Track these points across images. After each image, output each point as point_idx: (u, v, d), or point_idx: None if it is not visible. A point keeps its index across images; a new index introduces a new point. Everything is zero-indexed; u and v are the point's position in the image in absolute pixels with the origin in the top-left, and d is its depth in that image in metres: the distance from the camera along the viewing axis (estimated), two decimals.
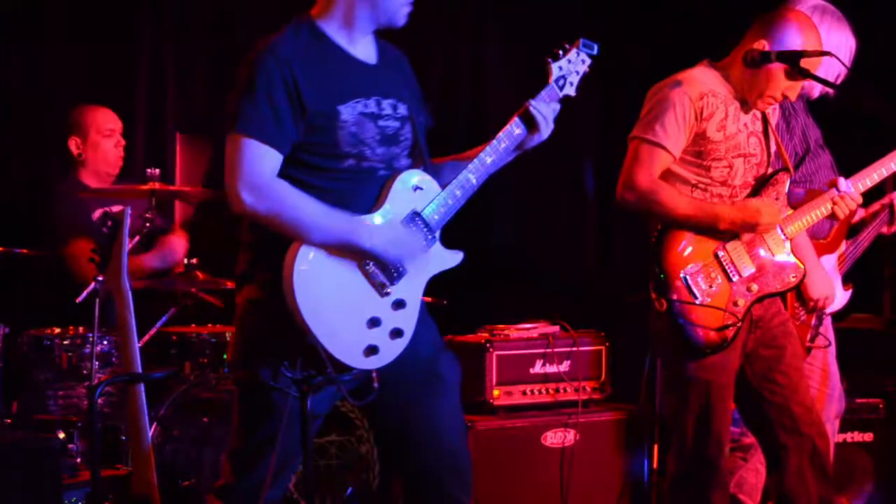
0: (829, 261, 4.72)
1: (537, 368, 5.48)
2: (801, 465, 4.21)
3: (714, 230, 4.14)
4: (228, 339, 5.38)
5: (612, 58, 6.57)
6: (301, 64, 3.42)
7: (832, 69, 4.52)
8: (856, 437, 5.43)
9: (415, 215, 3.55)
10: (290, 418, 3.41)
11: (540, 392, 5.47)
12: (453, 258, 3.67)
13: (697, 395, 4.16)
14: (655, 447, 5.09)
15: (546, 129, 3.66)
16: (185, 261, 5.33)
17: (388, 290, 3.52)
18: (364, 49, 3.56)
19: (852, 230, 4.84)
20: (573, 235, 6.62)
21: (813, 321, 4.57)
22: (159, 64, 6.07)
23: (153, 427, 4.89)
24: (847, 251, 4.80)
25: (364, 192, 3.50)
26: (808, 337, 4.59)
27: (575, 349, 5.52)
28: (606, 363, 5.58)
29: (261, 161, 3.37)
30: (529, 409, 5.44)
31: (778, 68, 4.12)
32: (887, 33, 5.20)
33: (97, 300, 4.62)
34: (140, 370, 4.41)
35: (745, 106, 4.21)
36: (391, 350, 3.51)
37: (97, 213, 5.26)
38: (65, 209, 5.37)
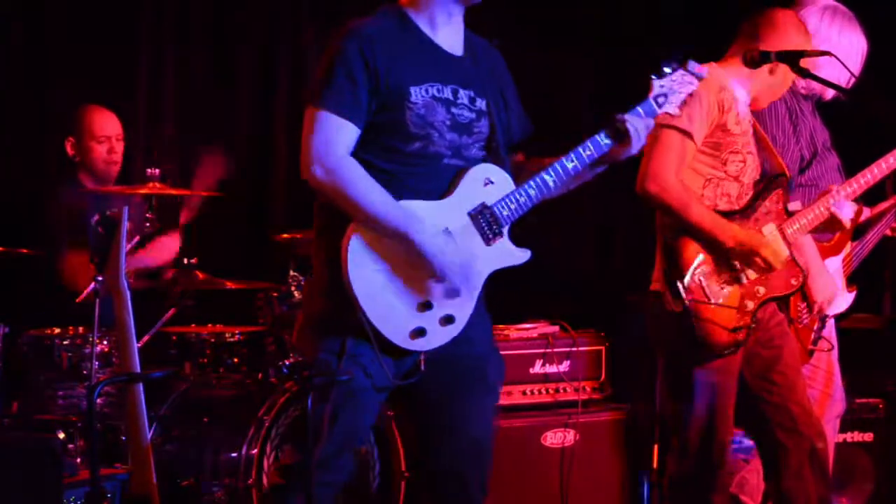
0: (834, 263, 4.71)
1: (537, 368, 5.48)
2: (800, 466, 4.21)
3: (719, 246, 4.12)
4: (227, 339, 5.39)
5: (612, 57, 6.63)
6: (382, 43, 3.50)
7: (842, 70, 4.46)
8: (856, 437, 5.43)
9: (483, 208, 3.58)
10: (343, 398, 3.47)
11: (540, 392, 5.47)
12: (521, 255, 3.66)
13: (702, 396, 4.16)
14: (655, 447, 5.09)
15: (637, 144, 3.63)
16: (185, 260, 5.33)
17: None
18: (450, 40, 3.63)
19: (858, 230, 4.83)
20: (573, 235, 6.61)
21: (816, 324, 4.56)
22: (159, 64, 6.07)
23: (153, 427, 4.89)
24: (854, 251, 4.79)
25: (430, 178, 3.55)
26: (812, 339, 4.58)
27: (575, 349, 5.52)
28: (606, 363, 5.58)
29: (336, 135, 3.46)
30: (529, 409, 5.44)
31: (777, 66, 4.12)
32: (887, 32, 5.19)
33: (97, 300, 4.63)
34: (139, 370, 4.41)
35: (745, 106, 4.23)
36: (440, 335, 3.55)
37: (96, 215, 5.25)
38: (63, 210, 5.37)
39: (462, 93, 3.59)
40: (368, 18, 3.56)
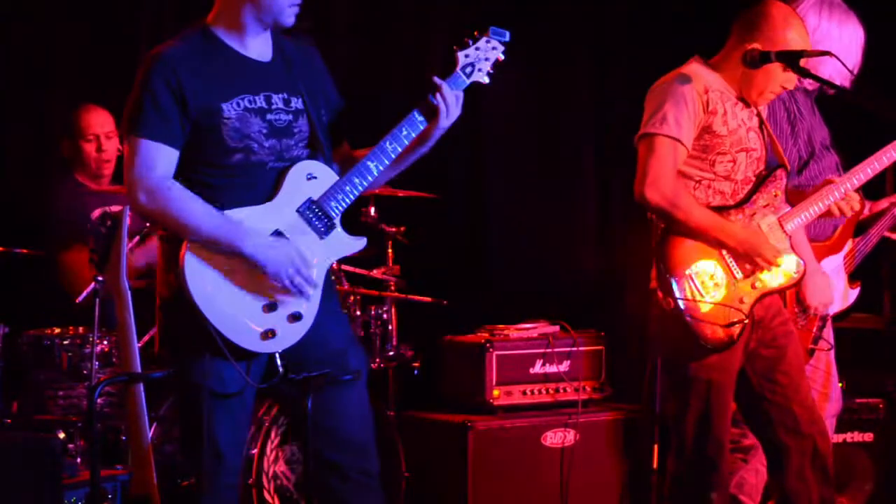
0: (834, 262, 4.71)
1: (537, 368, 5.48)
2: (803, 466, 4.21)
3: (721, 246, 4.13)
4: None
5: (612, 57, 6.63)
6: (187, 66, 3.59)
7: (840, 64, 4.46)
8: (856, 437, 5.43)
9: (311, 203, 3.66)
10: (211, 407, 3.59)
11: (540, 392, 5.47)
12: (356, 244, 3.77)
13: (698, 394, 4.16)
14: (655, 447, 5.09)
15: (446, 117, 3.72)
16: None
17: None
18: (257, 48, 3.71)
19: (860, 227, 4.82)
20: (573, 235, 6.61)
21: (817, 324, 4.56)
22: None
23: (153, 427, 4.88)
24: (857, 246, 4.78)
25: (257, 185, 3.64)
26: (811, 339, 4.58)
27: (575, 349, 5.52)
28: (606, 363, 5.58)
29: (153, 159, 3.57)
30: (529, 409, 5.44)
31: (776, 65, 4.11)
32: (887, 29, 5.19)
33: (97, 300, 4.62)
34: (139, 370, 4.41)
35: (742, 102, 4.22)
36: (290, 333, 3.64)
37: (96, 213, 5.24)
38: (63, 209, 5.36)
39: (275, 97, 3.68)
40: (171, 42, 3.65)
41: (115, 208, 4.49)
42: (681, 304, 4.07)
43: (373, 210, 5.47)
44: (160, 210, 3.57)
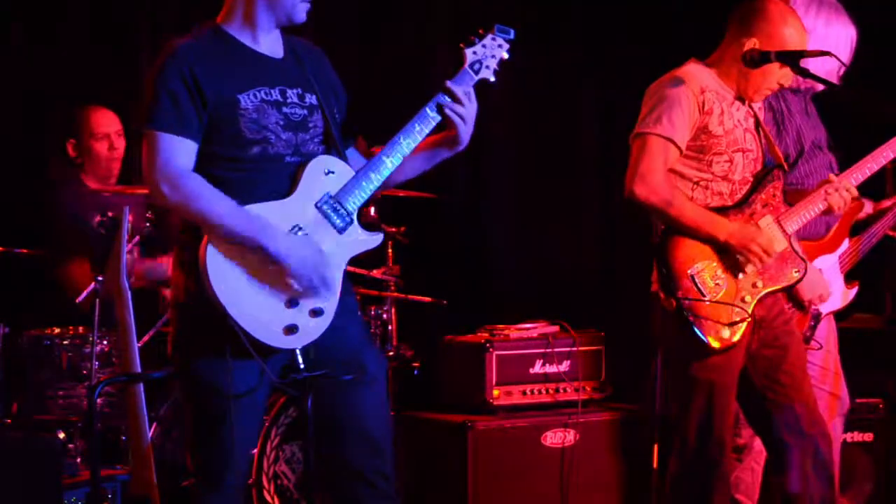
0: (828, 260, 4.71)
1: (537, 368, 5.48)
2: (804, 466, 4.21)
3: (713, 241, 4.13)
4: None
5: (612, 57, 6.63)
6: (201, 60, 3.58)
7: (835, 62, 4.44)
8: (856, 437, 5.42)
9: (329, 198, 3.65)
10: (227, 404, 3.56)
11: (540, 392, 5.47)
12: (374, 239, 3.74)
13: (700, 394, 4.16)
14: (655, 447, 5.09)
15: (462, 116, 3.69)
16: None
17: None
18: (269, 45, 3.70)
19: (862, 226, 4.82)
20: (573, 235, 6.62)
21: (809, 322, 4.56)
22: None
23: (153, 427, 4.89)
24: (860, 243, 4.78)
25: (274, 180, 3.62)
26: (802, 339, 4.58)
27: (575, 349, 5.52)
28: (606, 363, 5.58)
29: (173, 152, 3.54)
30: (529, 409, 5.44)
31: (773, 63, 4.11)
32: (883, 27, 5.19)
33: (97, 300, 4.62)
34: (139, 370, 4.41)
35: (738, 101, 4.22)
36: (312, 328, 3.61)
37: (97, 216, 5.25)
38: (64, 210, 5.36)
39: (290, 92, 3.67)
40: (185, 38, 3.64)
41: (116, 210, 4.50)
42: (682, 303, 4.07)
43: (373, 210, 5.47)
44: (183, 201, 3.54)
